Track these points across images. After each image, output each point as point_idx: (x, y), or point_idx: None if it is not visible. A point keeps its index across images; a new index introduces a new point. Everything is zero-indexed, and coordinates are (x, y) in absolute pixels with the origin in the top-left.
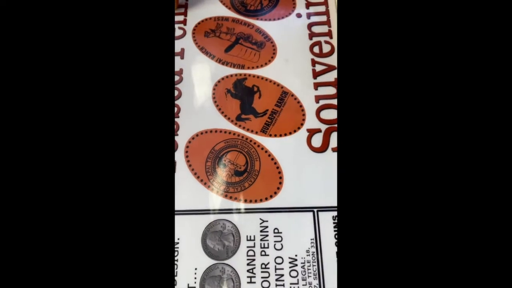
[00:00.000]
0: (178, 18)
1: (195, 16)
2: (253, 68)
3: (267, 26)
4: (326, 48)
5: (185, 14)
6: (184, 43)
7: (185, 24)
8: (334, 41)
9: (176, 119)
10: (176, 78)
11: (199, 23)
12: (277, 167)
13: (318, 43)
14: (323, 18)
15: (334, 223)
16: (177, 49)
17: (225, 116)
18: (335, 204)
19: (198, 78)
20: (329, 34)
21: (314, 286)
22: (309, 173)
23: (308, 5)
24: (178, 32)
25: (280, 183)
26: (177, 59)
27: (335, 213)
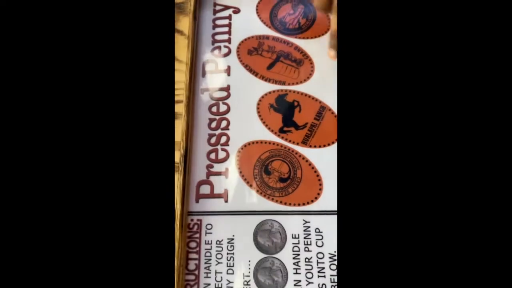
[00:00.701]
0: (222, 36)
1: (238, 34)
2: (293, 84)
3: (305, 44)
4: None
5: (229, 33)
6: (230, 61)
7: (229, 43)
8: None
9: (226, 131)
10: (225, 94)
11: (242, 41)
12: (317, 175)
13: None
14: None
15: None
16: (224, 66)
17: (269, 128)
18: None
19: (244, 94)
20: None
21: None
22: None
23: None
24: (223, 50)
25: (320, 189)
26: (224, 76)
27: None
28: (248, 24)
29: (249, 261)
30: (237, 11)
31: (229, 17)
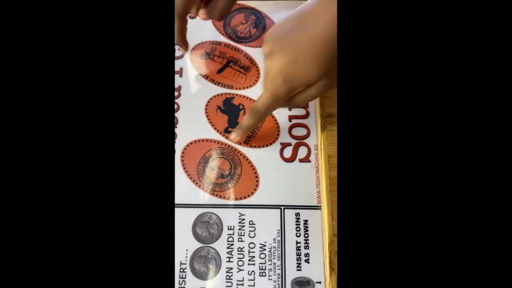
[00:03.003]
0: None
1: (192, 39)
2: (240, 88)
3: (254, 52)
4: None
5: None
6: (183, 63)
7: None
8: None
9: (175, 129)
10: (176, 93)
11: (196, 46)
12: (255, 173)
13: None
14: None
15: (296, 218)
16: (176, 68)
17: (215, 128)
18: (298, 203)
19: (194, 95)
20: None
21: (277, 265)
22: (279, 178)
23: None
24: (177, 53)
25: (257, 185)
26: (176, 77)
27: (297, 210)
28: (203, 30)
29: (187, 250)
30: (193, 16)
31: (186, 21)
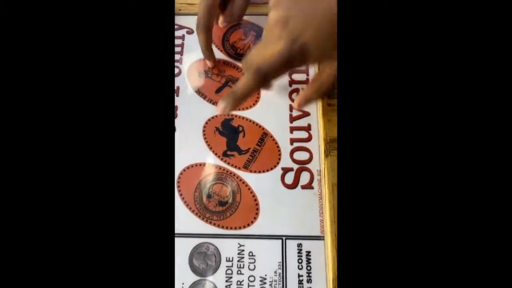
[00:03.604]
0: (175, 56)
1: (190, 55)
2: (239, 109)
3: None
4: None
5: (181, 53)
6: (180, 82)
7: (181, 63)
8: None
9: None
10: None
11: (193, 63)
12: (255, 200)
13: (297, 90)
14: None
15: (298, 249)
16: None
17: (213, 151)
18: (300, 233)
19: (191, 116)
20: (306, 81)
21: None
22: (281, 206)
23: None
24: (174, 71)
25: (257, 213)
26: None
27: (299, 241)
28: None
29: (183, 283)
30: (190, 31)
31: (182, 37)
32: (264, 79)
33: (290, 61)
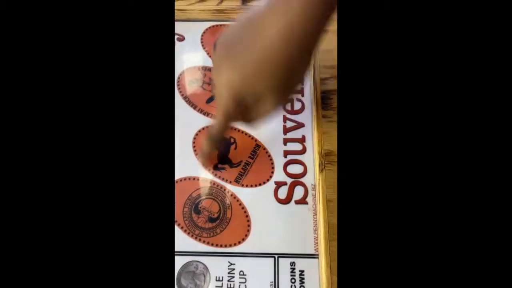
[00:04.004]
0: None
1: (180, 63)
2: None
3: None
4: (297, 106)
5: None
6: None
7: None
8: (305, 99)
9: None
10: None
11: (183, 71)
12: (247, 216)
13: (290, 100)
14: None
15: (291, 268)
16: None
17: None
18: (293, 251)
19: (180, 127)
20: (301, 92)
21: None
22: (273, 222)
23: None
24: None
25: (248, 230)
26: None
27: (292, 259)
28: (192, 53)
29: None
30: (181, 38)
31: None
32: (216, 140)
33: (228, 115)
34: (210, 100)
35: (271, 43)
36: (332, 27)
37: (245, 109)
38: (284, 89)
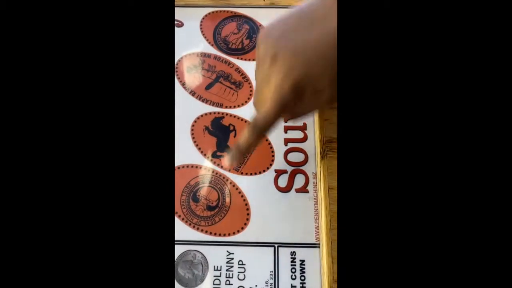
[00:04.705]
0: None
1: (179, 49)
2: (230, 107)
3: (247, 66)
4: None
5: None
6: None
7: None
8: None
9: None
10: None
11: (182, 57)
12: (246, 204)
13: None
14: None
15: (291, 258)
16: None
17: (201, 152)
18: (294, 241)
19: (179, 114)
20: None
21: None
22: (274, 211)
23: None
24: None
25: (248, 219)
26: None
27: (292, 249)
28: (190, 39)
29: None
30: (180, 24)
31: None
32: (261, 132)
33: (283, 106)
34: (209, 86)
35: (334, 31)
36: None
37: (299, 101)
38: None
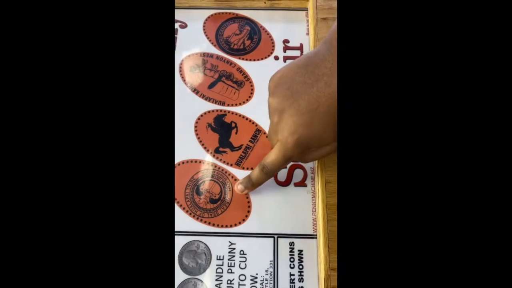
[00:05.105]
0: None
1: (183, 50)
2: (232, 105)
3: (248, 66)
4: None
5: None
6: None
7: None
8: None
9: None
10: None
11: (186, 57)
12: (247, 197)
13: None
14: None
15: (290, 248)
16: None
17: (205, 148)
18: (292, 232)
19: (183, 111)
20: None
21: None
22: (273, 204)
23: (285, 48)
24: None
25: (249, 211)
26: None
27: (291, 240)
28: (194, 40)
29: None
30: (184, 25)
31: (175, 31)
32: (270, 174)
33: (289, 158)
34: (212, 85)
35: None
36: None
37: (305, 154)
38: None
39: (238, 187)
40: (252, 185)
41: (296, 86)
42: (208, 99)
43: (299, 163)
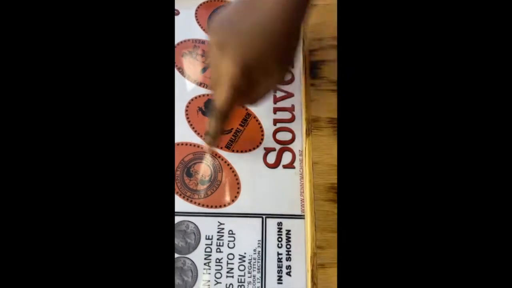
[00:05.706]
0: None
1: (176, 36)
2: None
3: None
4: (287, 76)
5: None
6: None
7: None
8: (294, 70)
9: None
10: None
11: (178, 44)
12: (237, 179)
13: (290, 73)
14: None
15: (278, 228)
16: None
17: (195, 131)
18: (280, 212)
19: (175, 95)
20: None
21: (257, 278)
22: (262, 185)
23: None
24: None
25: (238, 192)
26: None
27: (279, 220)
28: (186, 27)
29: None
30: (177, 13)
31: None
32: (222, 118)
33: (237, 91)
34: (203, 70)
35: (272, 8)
36: (322, 1)
37: (251, 85)
38: (286, 59)
39: (205, 148)
40: (212, 137)
41: (234, 17)
42: (199, 83)
43: (289, 146)
